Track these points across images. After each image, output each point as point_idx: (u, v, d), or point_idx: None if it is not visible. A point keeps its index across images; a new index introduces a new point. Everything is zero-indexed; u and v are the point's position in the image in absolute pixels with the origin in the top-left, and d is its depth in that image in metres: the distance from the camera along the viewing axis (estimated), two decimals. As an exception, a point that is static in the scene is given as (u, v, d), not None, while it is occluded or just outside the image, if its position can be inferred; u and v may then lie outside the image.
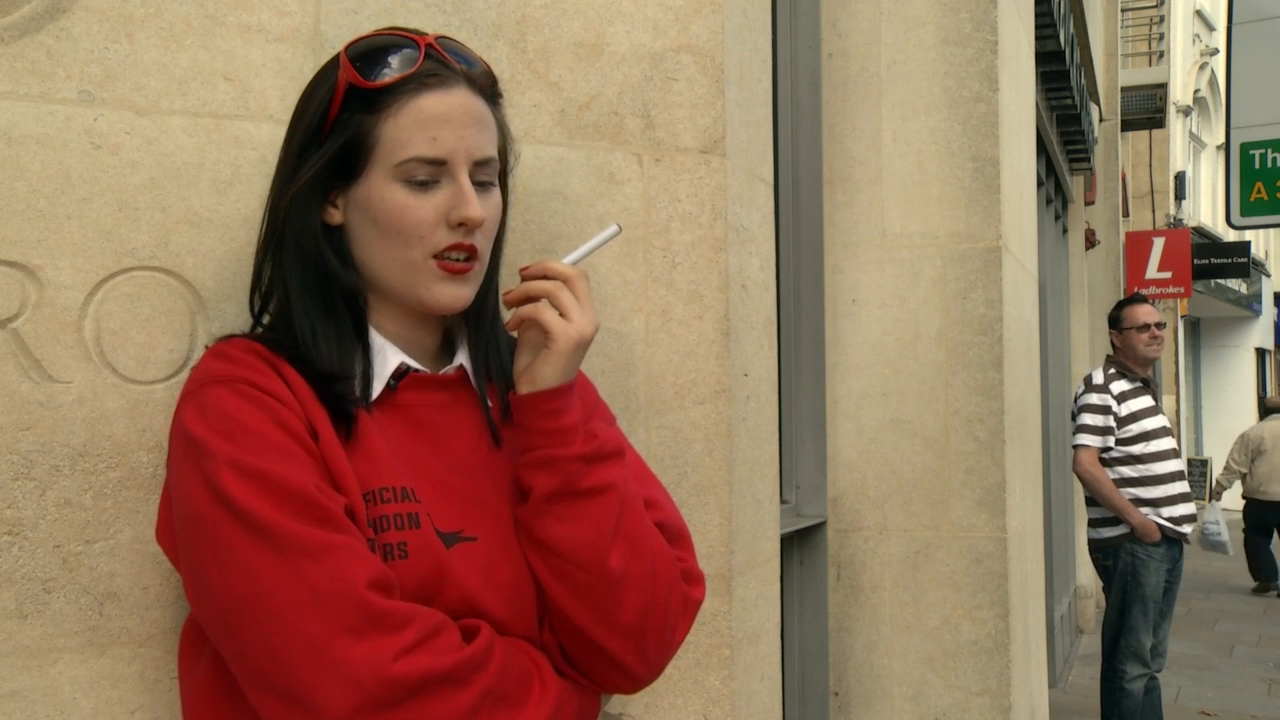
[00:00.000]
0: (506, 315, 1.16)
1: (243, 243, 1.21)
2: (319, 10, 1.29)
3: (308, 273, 1.08)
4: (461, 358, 1.15)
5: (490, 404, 1.14)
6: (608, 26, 1.48)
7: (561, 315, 1.07)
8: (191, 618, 1.07)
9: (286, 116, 1.13)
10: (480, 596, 1.03)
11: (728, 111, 1.53)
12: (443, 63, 1.07)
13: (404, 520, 1.02)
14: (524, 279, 1.10)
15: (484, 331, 1.16)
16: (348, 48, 1.07)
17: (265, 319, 1.13)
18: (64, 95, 1.15)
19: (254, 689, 0.94)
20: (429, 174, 1.05)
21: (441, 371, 1.13)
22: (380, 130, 1.05)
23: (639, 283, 1.49)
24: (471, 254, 1.09)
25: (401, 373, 1.10)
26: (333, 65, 1.08)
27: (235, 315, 1.21)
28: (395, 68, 1.05)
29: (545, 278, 1.09)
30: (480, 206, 1.06)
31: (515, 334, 1.16)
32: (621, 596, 1.06)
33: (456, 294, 1.09)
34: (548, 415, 1.07)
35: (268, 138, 1.23)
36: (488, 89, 1.11)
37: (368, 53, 1.06)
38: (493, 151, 1.10)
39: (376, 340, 1.10)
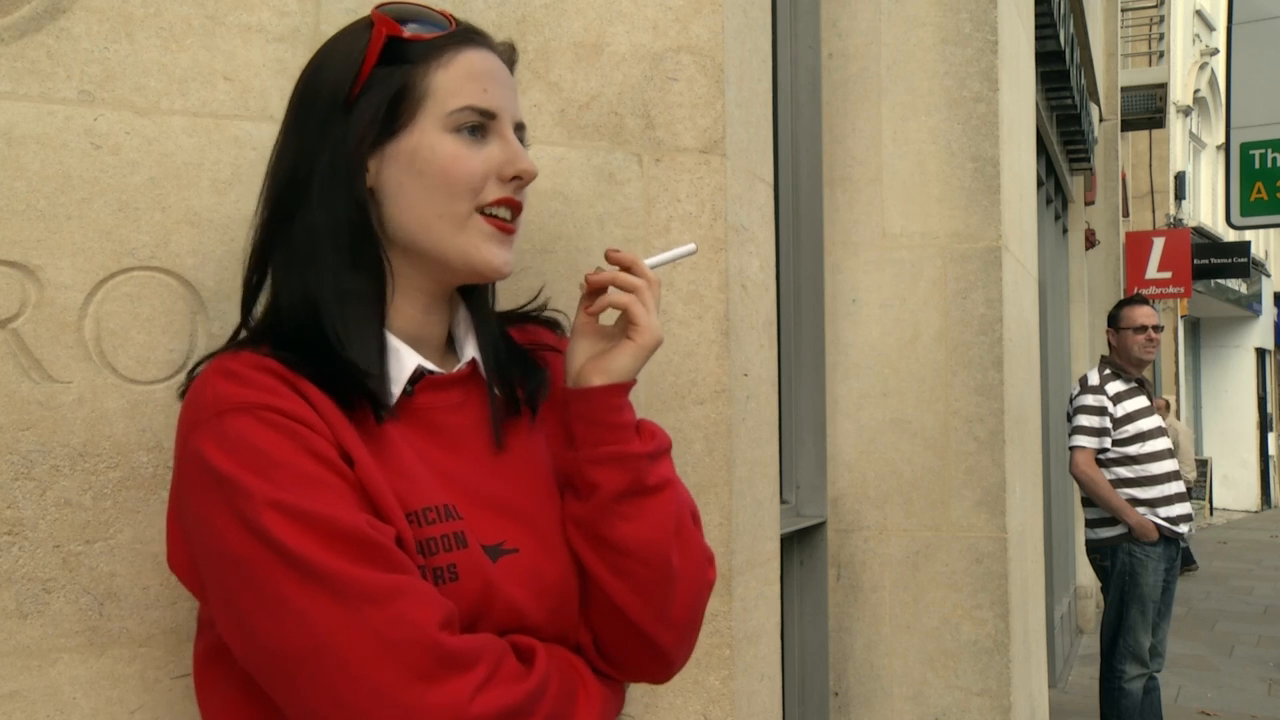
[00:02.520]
0: (557, 305, 1.16)
1: (243, 243, 1.20)
2: (319, 10, 1.29)
3: (342, 255, 1.01)
4: (471, 351, 1.11)
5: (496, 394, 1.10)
6: (608, 26, 1.48)
7: None
8: (206, 643, 1.02)
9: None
10: (526, 608, 1.01)
11: (728, 111, 1.53)
12: (473, 29, 1.07)
13: (451, 541, 0.98)
14: (613, 263, 1.09)
15: (488, 318, 1.14)
16: (376, 9, 1.05)
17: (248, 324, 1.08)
18: (64, 95, 1.15)
19: None
20: (480, 125, 1.04)
21: (455, 369, 1.09)
22: (431, 79, 1.02)
23: (639, 283, 1.49)
24: (518, 211, 1.07)
25: (417, 376, 1.05)
26: (358, 27, 1.05)
27: (235, 315, 1.20)
28: (434, 25, 1.04)
29: (632, 273, 1.08)
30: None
31: (560, 320, 1.18)
32: (678, 590, 1.06)
33: (505, 257, 1.06)
34: (615, 409, 1.06)
35: (268, 138, 1.23)
36: (510, 65, 1.12)
37: (400, 13, 1.04)
38: (524, 120, 1.10)
39: (391, 341, 1.04)
